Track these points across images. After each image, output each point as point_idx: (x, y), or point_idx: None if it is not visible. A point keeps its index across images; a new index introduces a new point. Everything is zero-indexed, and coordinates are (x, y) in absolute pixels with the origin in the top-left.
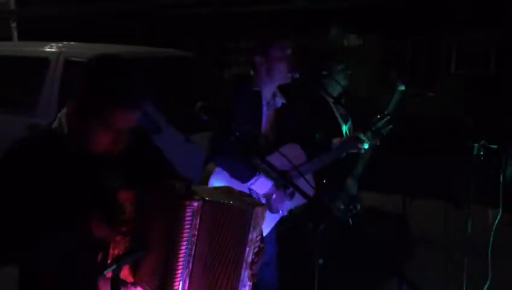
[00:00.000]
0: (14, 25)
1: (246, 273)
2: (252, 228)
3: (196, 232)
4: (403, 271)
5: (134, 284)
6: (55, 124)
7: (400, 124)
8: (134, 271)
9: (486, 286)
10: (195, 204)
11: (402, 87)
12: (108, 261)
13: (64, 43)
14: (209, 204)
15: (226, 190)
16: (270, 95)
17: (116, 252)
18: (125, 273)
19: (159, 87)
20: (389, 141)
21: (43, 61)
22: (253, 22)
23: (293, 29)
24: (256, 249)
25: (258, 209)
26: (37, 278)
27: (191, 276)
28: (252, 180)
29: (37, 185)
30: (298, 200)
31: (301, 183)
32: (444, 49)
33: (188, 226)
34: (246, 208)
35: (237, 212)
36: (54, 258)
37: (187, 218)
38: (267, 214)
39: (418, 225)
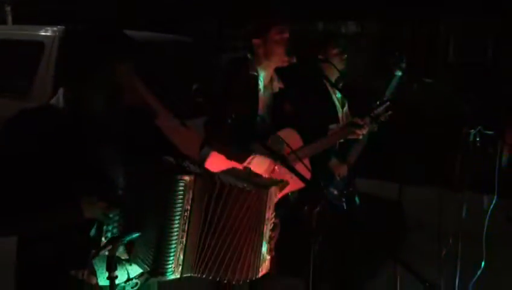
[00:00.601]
0: (8, 8)
1: (265, 249)
2: (267, 208)
3: (189, 207)
4: (397, 256)
5: (128, 261)
6: (53, 101)
7: (397, 110)
8: (129, 249)
9: (480, 271)
10: (187, 178)
11: (399, 73)
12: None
13: (59, 27)
14: (201, 179)
15: (236, 172)
16: (268, 79)
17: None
18: (120, 251)
19: (157, 73)
20: (386, 128)
21: (38, 45)
22: (251, 7)
23: (291, 15)
24: (272, 225)
25: (272, 189)
26: (33, 252)
27: (185, 251)
28: (248, 161)
29: (31, 156)
30: (295, 185)
31: (298, 168)
32: (442, 36)
33: (180, 200)
34: (260, 189)
35: (250, 193)
36: (49, 231)
37: (179, 192)
38: None
39: (413, 211)
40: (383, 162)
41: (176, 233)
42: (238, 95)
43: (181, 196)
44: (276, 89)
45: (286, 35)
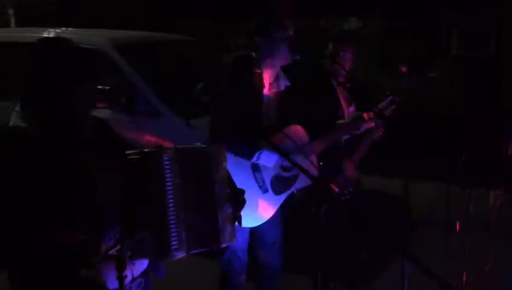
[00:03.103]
0: (11, 11)
1: (223, 216)
2: (214, 167)
3: (178, 181)
4: (406, 252)
5: (132, 257)
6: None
7: (402, 105)
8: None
9: (488, 266)
10: (169, 152)
11: (403, 69)
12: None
13: (63, 29)
14: (181, 150)
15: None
16: (273, 76)
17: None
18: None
19: (159, 72)
20: (390, 123)
21: None
22: (253, 5)
23: (292, 11)
24: (228, 191)
25: (212, 147)
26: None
27: (186, 226)
28: (256, 156)
29: (16, 187)
30: (302, 182)
31: (305, 164)
32: (444, 29)
33: (169, 176)
34: (203, 148)
35: (198, 153)
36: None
37: (165, 167)
38: (272, 196)
39: (420, 207)
40: (388, 158)
41: (172, 208)
42: (243, 93)
43: (168, 171)
44: (282, 87)
45: (289, 32)
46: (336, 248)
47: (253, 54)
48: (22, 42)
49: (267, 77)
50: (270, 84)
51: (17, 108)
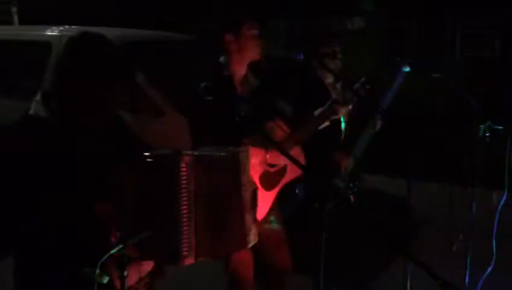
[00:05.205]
0: (14, 9)
1: (249, 217)
2: (242, 172)
3: (193, 188)
4: (409, 253)
5: (139, 259)
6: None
7: (405, 105)
8: (138, 247)
9: (491, 267)
10: (187, 158)
11: (407, 69)
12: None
13: (66, 26)
14: (200, 157)
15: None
16: (242, 75)
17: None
18: (131, 250)
19: (160, 71)
20: (394, 123)
21: (46, 45)
22: (253, 5)
23: (293, 12)
24: (251, 194)
25: (241, 153)
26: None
27: (196, 233)
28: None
29: (30, 173)
30: (291, 174)
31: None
32: (449, 30)
33: (185, 181)
34: (232, 154)
35: (227, 159)
36: (56, 236)
37: (182, 174)
38: (263, 193)
39: (423, 207)
40: (391, 157)
41: (184, 214)
42: (216, 100)
43: (185, 177)
44: (253, 86)
45: (257, 30)
46: (338, 247)
47: (221, 59)
48: (26, 40)
49: (237, 78)
50: (242, 84)
51: (38, 97)
